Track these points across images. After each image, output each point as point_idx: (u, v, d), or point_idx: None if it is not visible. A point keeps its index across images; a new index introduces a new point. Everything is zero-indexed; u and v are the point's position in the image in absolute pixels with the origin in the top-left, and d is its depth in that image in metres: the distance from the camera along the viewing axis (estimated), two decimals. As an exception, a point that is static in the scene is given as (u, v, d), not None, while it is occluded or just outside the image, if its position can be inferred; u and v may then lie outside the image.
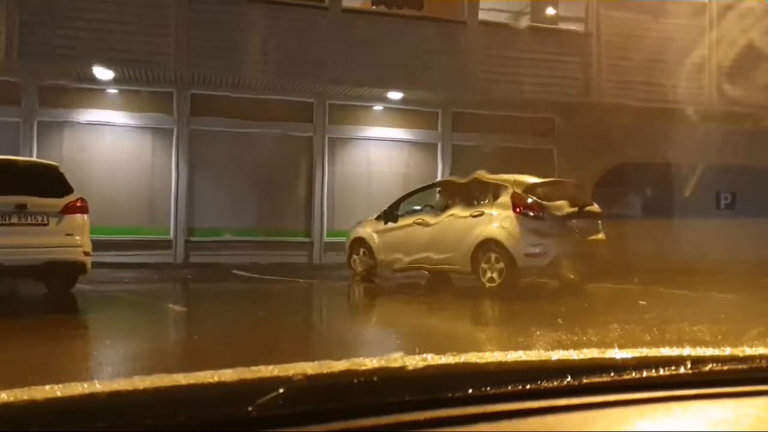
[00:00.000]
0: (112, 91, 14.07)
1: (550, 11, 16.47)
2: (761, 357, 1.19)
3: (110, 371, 5.11)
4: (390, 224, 11.61)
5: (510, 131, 15.38)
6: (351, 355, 1.04)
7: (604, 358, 1.13)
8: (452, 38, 14.50)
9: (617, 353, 1.14)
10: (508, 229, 10.13)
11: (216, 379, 0.95)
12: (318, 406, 0.93)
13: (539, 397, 1.01)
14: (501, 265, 10.06)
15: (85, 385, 0.91)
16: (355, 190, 15.16)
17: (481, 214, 10.46)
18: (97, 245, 9.38)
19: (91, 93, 13.90)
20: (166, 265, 13.66)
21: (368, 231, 11.90)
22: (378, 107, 15.32)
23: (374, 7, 15.05)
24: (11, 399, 0.88)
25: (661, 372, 1.11)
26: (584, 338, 6.07)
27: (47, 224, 8.35)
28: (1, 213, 8.11)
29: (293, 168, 15.04)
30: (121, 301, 9.66)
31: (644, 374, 1.10)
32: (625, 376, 1.09)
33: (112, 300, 9.80)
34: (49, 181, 8.60)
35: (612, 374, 1.09)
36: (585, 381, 1.06)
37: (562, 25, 16.19)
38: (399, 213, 11.66)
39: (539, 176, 10.99)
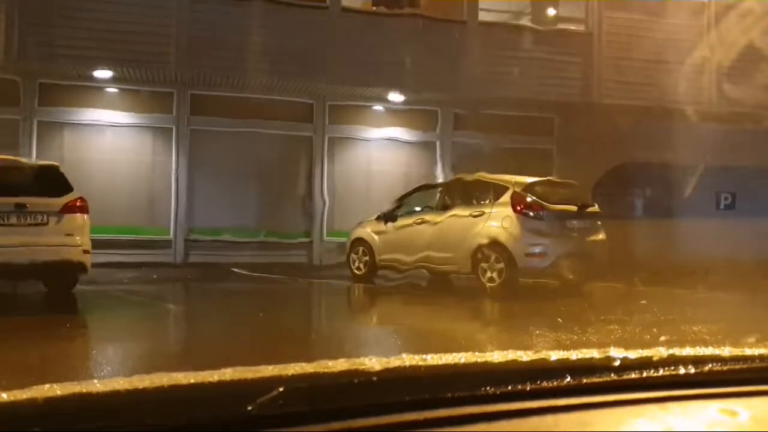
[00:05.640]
0: (112, 90, 14.06)
1: (551, 11, 16.46)
2: (761, 357, 1.19)
3: (110, 371, 5.11)
4: (390, 224, 11.60)
5: (510, 131, 15.37)
6: (351, 355, 1.04)
7: (603, 358, 1.13)
8: (452, 38, 14.48)
9: (617, 353, 1.14)
10: (509, 229, 10.12)
11: (216, 378, 0.95)
12: (318, 406, 0.93)
13: (539, 397, 1.01)
14: (501, 265, 10.05)
15: (85, 385, 0.91)
16: (355, 190, 15.15)
17: (482, 214, 10.46)
18: (97, 245, 9.37)
19: (91, 92, 13.89)
20: (165, 264, 13.66)
21: (368, 231, 11.89)
22: (378, 107, 15.31)
23: (374, 7, 15.04)
24: (11, 399, 0.88)
25: (661, 372, 1.11)
26: (584, 338, 6.07)
27: (47, 224, 8.34)
28: (0, 213, 8.10)
29: (293, 168, 15.03)
30: (121, 301, 9.66)
31: (644, 374, 1.10)
32: (625, 376, 1.09)
33: (112, 299, 9.80)
34: (49, 181, 8.59)
35: (611, 374, 1.09)
36: (584, 381, 1.06)
37: (562, 26, 16.18)
38: (399, 213, 11.65)
39: (539, 176, 10.99)
